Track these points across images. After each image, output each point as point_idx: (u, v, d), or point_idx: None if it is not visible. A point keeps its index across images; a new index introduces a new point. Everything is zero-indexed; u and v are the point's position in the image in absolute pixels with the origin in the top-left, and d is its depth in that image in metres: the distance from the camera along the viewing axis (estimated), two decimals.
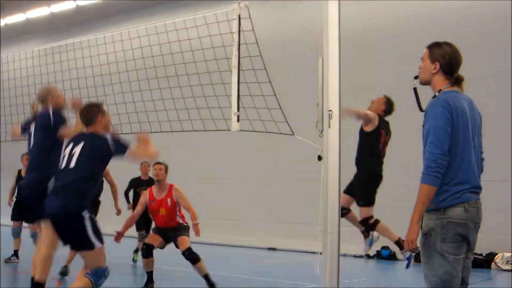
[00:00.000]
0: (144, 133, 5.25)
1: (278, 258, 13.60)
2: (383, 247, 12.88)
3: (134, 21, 16.51)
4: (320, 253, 4.72)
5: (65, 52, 10.17)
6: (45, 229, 5.54)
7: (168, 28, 7.93)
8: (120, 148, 5.05)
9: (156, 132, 8.04)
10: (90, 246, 4.88)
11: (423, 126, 3.67)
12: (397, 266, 11.97)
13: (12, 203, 10.45)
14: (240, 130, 5.80)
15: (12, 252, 10.17)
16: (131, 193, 10.45)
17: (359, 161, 6.97)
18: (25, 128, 6.55)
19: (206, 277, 7.54)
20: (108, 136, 5.11)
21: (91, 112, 5.26)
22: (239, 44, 6.02)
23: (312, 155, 5.17)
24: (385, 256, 12.92)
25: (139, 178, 10.56)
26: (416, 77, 3.85)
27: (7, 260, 10.00)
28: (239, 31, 6.05)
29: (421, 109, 3.81)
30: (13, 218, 10.26)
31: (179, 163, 13.74)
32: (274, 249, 15.77)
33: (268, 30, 13.41)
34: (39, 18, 23.34)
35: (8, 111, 11.10)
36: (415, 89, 3.87)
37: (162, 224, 8.06)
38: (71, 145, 5.11)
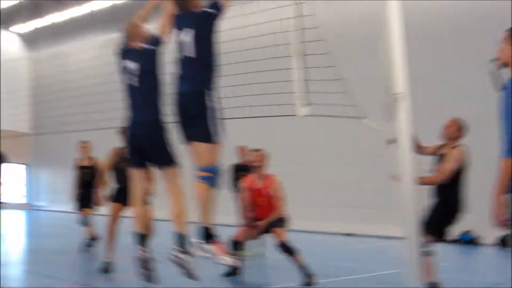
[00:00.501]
0: None
1: (355, 244, 13.48)
2: (465, 232, 12.69)
3: None
4: (401, 239, 4.64)
5: None
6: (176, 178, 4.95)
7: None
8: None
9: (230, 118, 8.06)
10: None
11: (502, 103, 3.69)
12: (479, 251, 11.71)
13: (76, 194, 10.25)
14: (307, 115, 5.72)
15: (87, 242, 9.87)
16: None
17: None
18: None
19: (303, 268, 7.13)
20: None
21: None
22: (301, 30, 5.94)
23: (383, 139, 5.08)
24: (467, 240, 12.66)
25: (240, 163, 10.26)
26: (493, 60, 3.84)
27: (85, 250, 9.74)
28: (302, 15, 5.97)
29: (499, 90, 3.78)
30: (80, 207, 10.10)
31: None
32: (350, 234, 15.67)
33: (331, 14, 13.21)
34: (102, 10, 23.90)
35: (77, 101, 11.41)
36: (494, 71, 3.80)
37: (259, 215, 7.66)
38: None
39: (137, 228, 4.95)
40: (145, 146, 4.83)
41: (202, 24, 4.59)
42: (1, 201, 11.36)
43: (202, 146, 4.54)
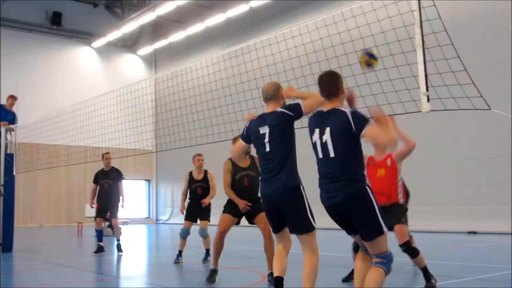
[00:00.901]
0: (379, 110, 4.40)
1: (479, 242, 12.97)
2: None
3: (300, 17, 16.75)
4: None
5: (241, 55, 10.52)
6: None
7: (336, 19, 7.85)
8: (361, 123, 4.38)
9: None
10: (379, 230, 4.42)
11: None
12: None
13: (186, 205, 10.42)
14: (432, 110, 5.56)
15: (177, 253, 10.00)
16: None
17: None
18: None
19: (424, 269, 6.64)
20: (348, 111, 4.48)
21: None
22: (421, 22, 5.80)
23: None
24: None
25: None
26: None
27: (176, 261, 9.82)
28: (419, 8, 5.83)
29: None
30: (186, 218, 10.19)
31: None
32: (474, 232, 15.09)
33: (449, 4, 12.81)
34: (217, 25, 24.67)
35: (201, 116, 11.79)
36: None
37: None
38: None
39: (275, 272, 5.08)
40: (281, 212, 4.97)
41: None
42: (126, 216, 12.02)
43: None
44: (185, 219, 10.13)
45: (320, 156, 4.52)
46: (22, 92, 21.54)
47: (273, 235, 5.36)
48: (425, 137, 15.98)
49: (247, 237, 14.29)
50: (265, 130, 5.01)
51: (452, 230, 15.37)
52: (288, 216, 4.88)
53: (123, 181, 12.32)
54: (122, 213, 12.42)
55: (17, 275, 9.27)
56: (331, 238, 11.26)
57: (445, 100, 6.08)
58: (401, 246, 6.62)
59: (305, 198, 4.86)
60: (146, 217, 30.45)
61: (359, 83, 6.72)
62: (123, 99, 14.25)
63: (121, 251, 11.88)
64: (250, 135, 5.16)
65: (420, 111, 5.60)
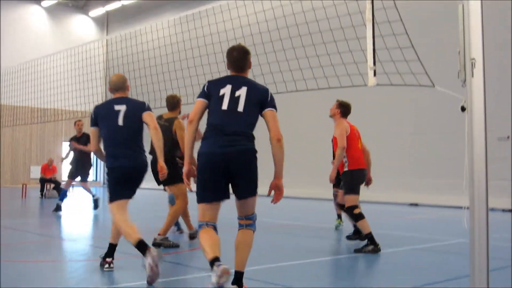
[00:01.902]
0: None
1: (421, 214, 13.40)
2: None
3: None
4: (467, 208, 4.57)
5: (199, 19, 10.46)
6: None
7: None
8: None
9: (292, 91, 8.13)
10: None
11: None
12: None
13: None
14: (377, 85, 5.68)
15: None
16: None
17: None
18: None
19: (368, 236, 7.09)
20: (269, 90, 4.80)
21: None
22: None
23: (454, 107, 4.98)
24: None
25: None
26: None
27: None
28: None
29: None
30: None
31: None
32: (416, 204, 15.57)
33: None
34: None
35: (154, 79, 11.70)
36: None
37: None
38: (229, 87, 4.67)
39: None
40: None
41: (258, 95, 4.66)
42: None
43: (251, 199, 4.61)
44: None
45: (224, 107, 4.57)
46: None
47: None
48: (372, 111, 16.35)
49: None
50: None
51: (395, 201, 15.84)
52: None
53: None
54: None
55: None
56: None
57: (391, 75, 6.23)
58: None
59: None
60: (94, 180, 30.08)
61: (309, 55, 6.81)
62: (73, 59, 14.00)
63: (97, 207, 12.74)
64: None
65: (366, 85, 5.70)
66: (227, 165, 4.42)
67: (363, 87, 6.06)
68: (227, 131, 4.47)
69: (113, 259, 5.74)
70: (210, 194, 4.52)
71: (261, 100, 4.60)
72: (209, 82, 4.73)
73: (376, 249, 7.00)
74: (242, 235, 4.58)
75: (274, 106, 4.63)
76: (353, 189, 7.38)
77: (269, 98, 4.62)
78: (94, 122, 5.79)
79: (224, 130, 4.49)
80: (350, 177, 7.40)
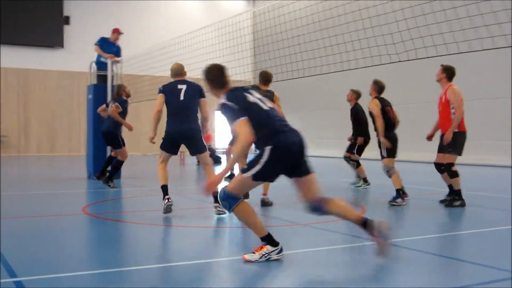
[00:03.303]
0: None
1: None
2: None
3: None
4: None
5: None
6: None
7: None
8: None
9: (432, 56, 8.05)
10: None
11: None
12: None
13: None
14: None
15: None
16: None
17: None
18: None
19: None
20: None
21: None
22: None
23: None
24: None
25: None
26: None
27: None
28: None
29: None
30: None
31: None
32: None
33: None
34: None
35: (296, 49, 11.85)
36: None
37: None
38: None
39: None
40: None
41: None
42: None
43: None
44: None
45: (266, 108, 4.85)
46: (126, 25, 22.32)
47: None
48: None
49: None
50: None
51: None
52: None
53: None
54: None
55: (128, 201, 9.91)
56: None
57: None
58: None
59: None
60: None
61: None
62: (221, 32, 14.46)
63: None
64: None
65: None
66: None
67: None
68: None
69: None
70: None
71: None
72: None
73: (463, 203, 8.15)
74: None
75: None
76: (457, 150, 8.15)
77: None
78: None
79: None
80: (456, 139, 8.08)
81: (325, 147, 23.50)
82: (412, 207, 8.48)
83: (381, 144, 8.72)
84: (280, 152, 4.60)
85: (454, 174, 8.20)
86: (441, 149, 8.36)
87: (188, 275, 4.51)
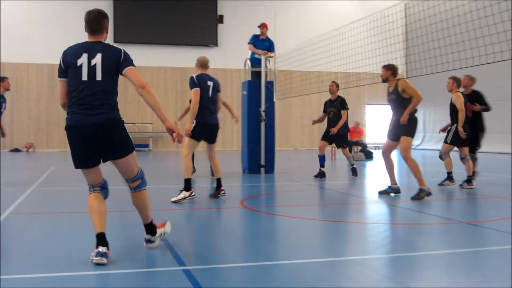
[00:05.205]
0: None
1: None
2: None
3: None
4: None
5: None
6: None
7: None
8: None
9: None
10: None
11: None
12: None
13: None
14: None
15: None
16: None
17: None
18: None
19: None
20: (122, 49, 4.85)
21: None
22: None
23: None
24: None
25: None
26: None
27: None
28: None
29: None
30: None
31: None
32: None
33: None
34: None
35: (452, 40, 11.45)
36: None
37: None
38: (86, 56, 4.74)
39: None
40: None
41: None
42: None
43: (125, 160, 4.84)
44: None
45: (85, 78, 4.65)
46: (278, 22, 22.82)
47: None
48: None
49: None
50: None
51: None
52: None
53: (347, 109, 12.71)
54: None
55: (283, 195, 10.13)
56: None
57: None
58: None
59: None
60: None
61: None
62: (372, 26, 14.33)
63: (356, 175, 12.51)
64: None
65: None
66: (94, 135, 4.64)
67: None
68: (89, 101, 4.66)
69: None
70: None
71: (116, 62, 4.72)
72: (64, 53, 4.79)
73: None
74: (135, 199, 4.99)
75: (131, 64, 4.74)
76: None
77: (122, 58, 4.72)
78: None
79: (85, 100, 4.65)
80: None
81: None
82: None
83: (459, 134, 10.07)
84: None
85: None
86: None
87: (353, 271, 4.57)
